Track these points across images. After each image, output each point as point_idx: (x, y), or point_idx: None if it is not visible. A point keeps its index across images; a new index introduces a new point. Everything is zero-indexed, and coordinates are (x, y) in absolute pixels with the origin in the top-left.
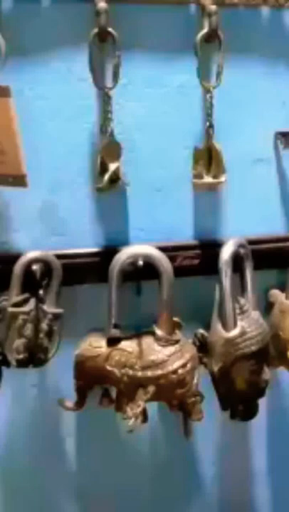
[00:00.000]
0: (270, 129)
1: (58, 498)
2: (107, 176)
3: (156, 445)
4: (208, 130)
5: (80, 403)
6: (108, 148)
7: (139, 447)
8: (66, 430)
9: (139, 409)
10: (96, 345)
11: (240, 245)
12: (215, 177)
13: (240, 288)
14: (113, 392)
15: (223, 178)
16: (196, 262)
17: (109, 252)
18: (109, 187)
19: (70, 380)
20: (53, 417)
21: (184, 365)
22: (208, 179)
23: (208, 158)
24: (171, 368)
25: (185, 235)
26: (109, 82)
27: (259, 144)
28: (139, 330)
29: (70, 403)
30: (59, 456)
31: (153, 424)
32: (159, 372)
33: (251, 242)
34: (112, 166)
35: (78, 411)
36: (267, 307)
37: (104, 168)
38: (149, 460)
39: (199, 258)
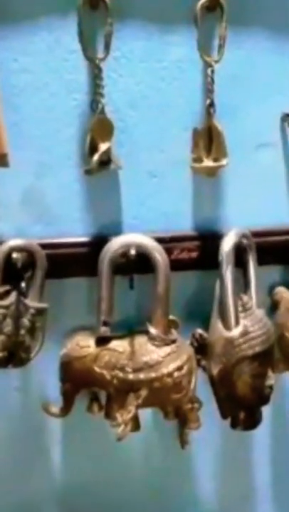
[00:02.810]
0: (276, 110)
1: (41, 511)
2: (96, 157)
3: (149, 456)
4: (209, 109)
5: (66, 408)
6: (99, 127)
7: (130, 458)
8: (51, 438)
9: (129, 416)
10: (84, 344)
11: (243, 236)
12: (216, 160)
13: (242, 285)
14: (103, 397)
15: (224, 162)
16: (194, 254)
17: (99, 242)
18: (99, 169)
19: (55, 382)
20: (36, 424)
21: (180, 368)
22: (208, 163)
23: (208, 139)
24: (166, 370)
25: (183, 225)
26: (100, 53)
27: (264, 127)
28: (131, 328)
29: (55, 408)
30: (43, 466)
31: (146, 433)
32: (153, 374)
33: (255, 235)
34: (103, 146)
35: (64, 417)
36: (271, 306)
37: (94, 149)
38: (141, 472)
39: (198, 250)
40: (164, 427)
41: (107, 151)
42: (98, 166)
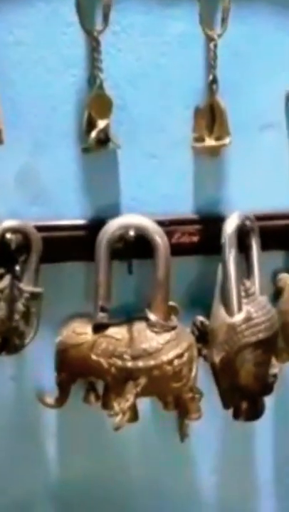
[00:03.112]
0: (281, 88)
1: (35, 506)
2: (94, 134)
3: (147, 450)
4: (211, 85)
5: (61, 399)
6: (97, 103)
7: (128, 451)
8: (46, 430)
9: (127, 404)
10: (80, 331)
11: (246, 218)
12: (218, 139)
13: (244, 270)
14: (100, 387)
15: (227, 140)
16: (195, 238)
17: (97, 224)
18: (97, 148)
19: (51, 371)
20: (31, 415)
21: (180, 355)
22: (210, 142)
23: (210, 118)
24: (165, 357)
25: (183, 207)
26: (98, 25)
27: (269, 106)
28: (130, 315)
29: (50, 399)
30: (38, 459)
31: (144, 425)
32: (152, 362)
33: (258, 218)
34: (101, 124)
35: (60, 408)
36: (274, 293)
37: (91, 126)
38: (139, 466)
39: (199, 234)
40: (162, 418)
41: (106, 129)
42: (96, 144)
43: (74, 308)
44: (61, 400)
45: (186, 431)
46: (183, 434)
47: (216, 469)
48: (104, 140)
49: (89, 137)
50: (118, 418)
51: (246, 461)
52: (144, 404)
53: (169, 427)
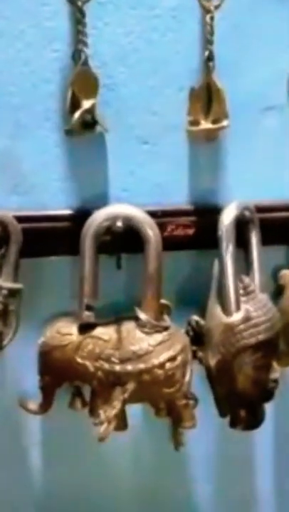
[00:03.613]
0: (285, 66)
1: None
2: (78, 114)
3: (139, 459)
4: (208, 63)
5: (46, 404)
6: (81, 80)
7: (118, 461)
8: (30, 438)
9: (113, 412)
10: (65, 331)
11: (245, 208)
12: (215, 122)
13: (243, 267)
14: (88, 391)
15: (225, 123)
16: (190, 231)
17: (82, 215)
18: (81, 131)
19: (33, 375)
20: (13, 422)
21: (173, 358)
22: (206, 125)
23: (207, 99)
24: (156, 361)
25: (178, 197)
26: None
27: (270, 88)
28: (118, 314)
29: (33, 404)
30: (21, 469)
31: (135, 432)
32: (142, 366)
33: (259, 210)
34: (86, 104)
35: (44, 414)
36: (276, 291)
37: (75, 106)
38: (131, 477)
39: (195, 227)
40: (155, 425)
41: (91, 110)
42: (81, 126)
43: (59, 307)
44: (45, 406)
45: (180, 439)
46: (177, 443)
47: (212, 479)
48: (90, 122)
49: (72, 118)
50: (103, 428)
51: (245, 470)
52: (136, 410)
53: (162, 435)
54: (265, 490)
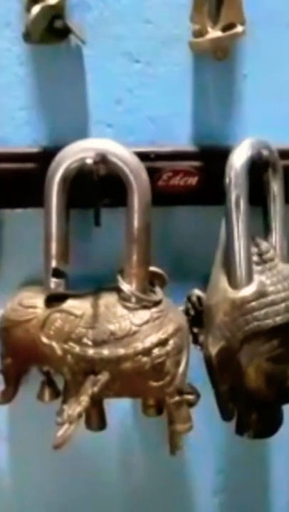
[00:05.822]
0: None
1: None
2: (37, 9)
3: (132, 466)
4: None
5: (9, 392)
6: None
7: (104, 466)
8: None
9: (77, 410)
10: (29, 303)
11: (264, 147)
12: (226, 29)
13: (261, 227)
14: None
15: (240, 29)
16: (193, 180)
17: (54, 155)
18: (47, 38)
19: None
20: None
21: (163, 342)
22: (215, 33)
23: (215, 2)
24: (141, 345)
25: (177, 136)
26: None
27: None
28: (97, 283)
29: None
30: None
31: (125, 430)
32: (121, 351)
33: (282, 156)
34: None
35: (7, 404)
36: None
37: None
38: (121, 487)
39: (199, 174)
40: (148, 424)
41: (59, 8)
42: (46, 33)
43: (23, 273)
44: (8, 394)
45: (178, 442)
46: (174, 446)
47: (215, 490)
48: (60, 29)
49: (29, 15)
50: (61, 430)
51: (255, 480)
52: (125, 403)
53: (156, 437)
54: (280, 505)
